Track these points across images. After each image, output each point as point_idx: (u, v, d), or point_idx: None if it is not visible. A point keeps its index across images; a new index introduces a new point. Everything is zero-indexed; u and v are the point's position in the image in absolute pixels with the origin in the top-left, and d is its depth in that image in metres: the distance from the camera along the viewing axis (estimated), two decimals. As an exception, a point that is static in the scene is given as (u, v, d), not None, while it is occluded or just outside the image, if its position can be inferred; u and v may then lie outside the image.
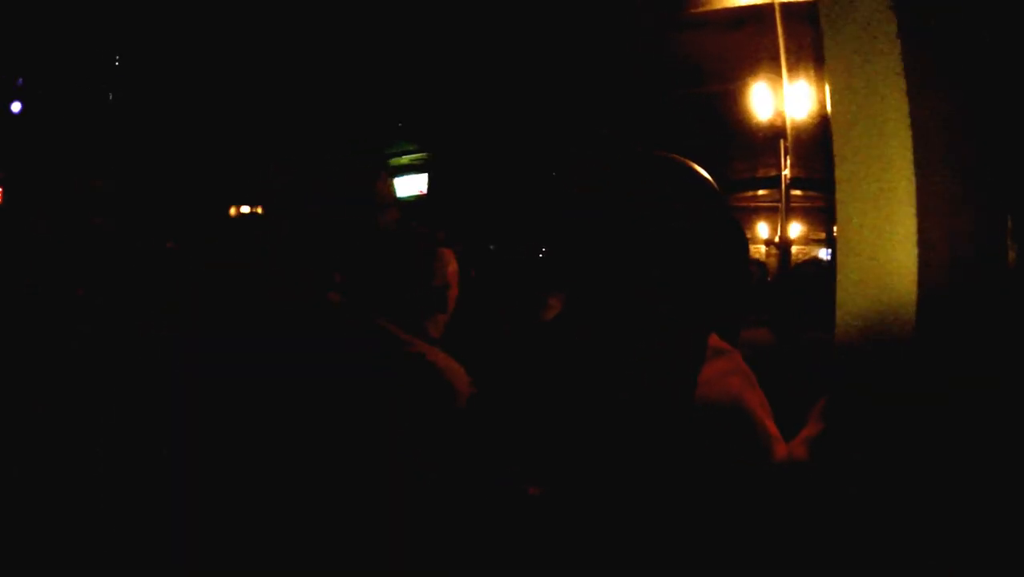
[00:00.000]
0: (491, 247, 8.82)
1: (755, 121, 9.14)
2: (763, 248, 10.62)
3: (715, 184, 1.51)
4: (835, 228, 1.23)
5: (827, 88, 1.20)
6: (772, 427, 1.36)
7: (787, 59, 8.57)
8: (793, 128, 8.73)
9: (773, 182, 9.90)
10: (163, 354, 2.00)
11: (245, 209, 16.98)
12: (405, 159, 15.95)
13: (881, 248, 1.07)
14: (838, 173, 1.12)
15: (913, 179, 1.04)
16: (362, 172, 1.75)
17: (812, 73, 8.71)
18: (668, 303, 1.40)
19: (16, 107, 18.48)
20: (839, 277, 1.13)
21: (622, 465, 1.32)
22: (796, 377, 1.81)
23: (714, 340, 1.41)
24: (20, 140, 17.89)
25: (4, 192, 18.11)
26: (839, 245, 1.13)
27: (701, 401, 1.32)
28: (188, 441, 1.57)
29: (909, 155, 1.04)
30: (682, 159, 1.50)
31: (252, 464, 1.49)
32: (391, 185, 1.79)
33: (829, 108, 1.16)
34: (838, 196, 1.11)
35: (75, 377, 2.33)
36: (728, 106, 9.97)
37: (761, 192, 11.21)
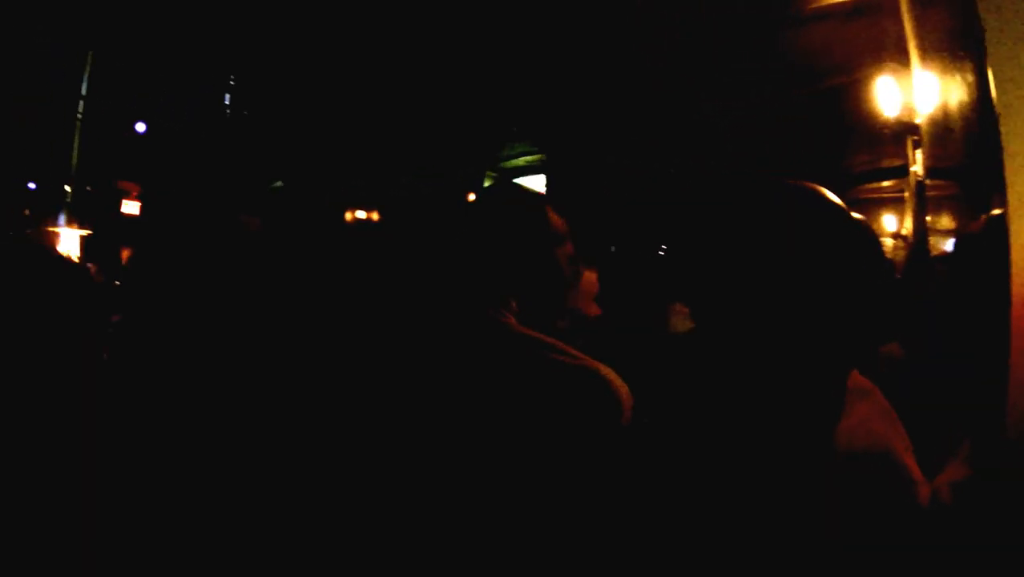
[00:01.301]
0: (612, 249, 8.78)
1: (877, 112, 8.91)
2: (890, 241, 10.29)
3: (849, 211, 1.46)
4: (973, 221, 1.19)
5: (990, 76, 1.12)
6: (916, 469, 1.32)
7: (914, 47, 8.33)
8: (922, 118, 8.48)
9: (896, 172, 9.62)
10: (329, 365, 2.05)
11: (361, 214, 17.36)
12: (521, 160, 15.87)
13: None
14: (1009, 167, 1.08)
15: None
16: (537, 209, 1.78)
17: (942, 61, 8.44)
18: (807, 343, 1.36)
19: (141, 127, 19.52)
20: (1013, 274, 1.08)
21: (759, 510, 1.30)
22: (928, 397, 1.76)
23: (855, 378, 1.39)
24: (152, 156, 18.78)
25: (143, 203, 19.13)
26: (1014, 244, 1.08)
27: (845, 451, 1.29)
28: (363, 452, 1.66)
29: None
30: (814, 186, 1.47)
31: (426, 470, 1.58)
32: (562, 220, 1.81)
33: (993, 96, 1.11)
34: (1011, 192, 1.07)
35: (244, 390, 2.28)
36: (847, 98, 9.75)
37: (885, 184, 10.88)
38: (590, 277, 2.32)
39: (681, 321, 3.70)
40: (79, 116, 13.19)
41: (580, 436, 1.54)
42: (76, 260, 8.73)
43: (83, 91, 13.42)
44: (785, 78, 10.01)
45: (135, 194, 19.42)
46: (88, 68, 13.24)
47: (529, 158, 15.72)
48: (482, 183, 16.29)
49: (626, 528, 1.46)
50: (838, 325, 1.38)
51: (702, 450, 1.40)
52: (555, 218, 1.79)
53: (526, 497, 1.52)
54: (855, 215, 1.54)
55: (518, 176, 16.05)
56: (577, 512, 1.50)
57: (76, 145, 13.01)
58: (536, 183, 15.42)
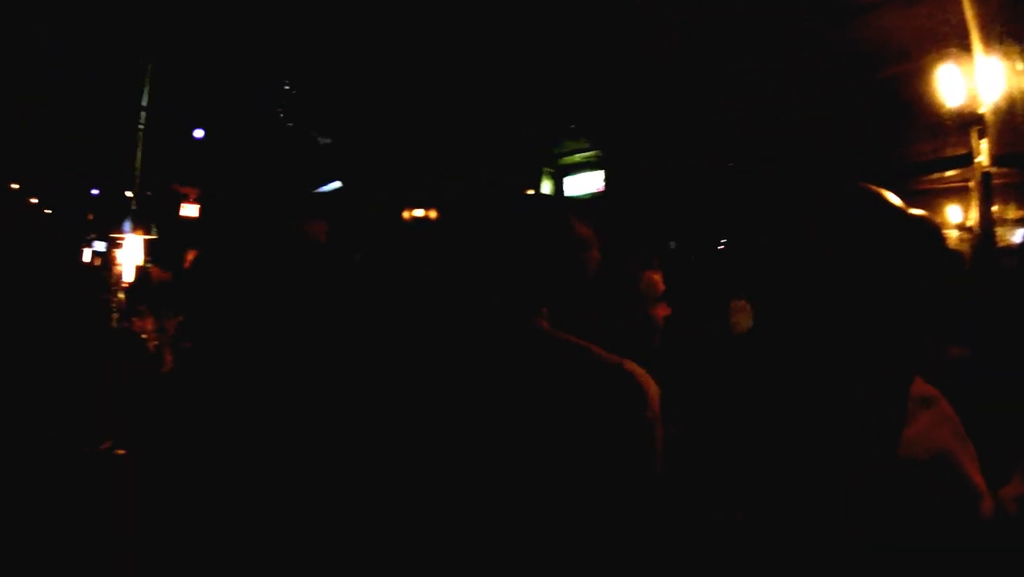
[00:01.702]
0: (671, 245, 8.75)
1: (939, 100, 8.76)
2: (954, 233, 10.09)
3: (910, 211, 1.45)
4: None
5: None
6: (980, 481, 1.31)
7: (976, 33, 8.18)
8: (986, 105, 8.32)
9: (960, 161, 9.43)
10: (379, 366, 2.06)
11: (419, 213, 17.54)
12: (578, 157, 15.87)
13: None
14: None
15: None
16: (561, 219, 1.84)
17: (1005, 47, 8.28)
18: (867, 346, 1.35)
19: (199, 133, 20.02)
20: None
21: (812, 516, 1.30)
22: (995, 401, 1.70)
23: (918, 385, 1.37)
24: (210, 160, 19.21)
25: (202, 207, 19.57)
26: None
27: (906, 460, 1.28)
28: (412, 450, 1.71)
29: None
30: (873, 187, 1.46)
31: (469, 467, 1.62)
32: (588, 229, 1.87)
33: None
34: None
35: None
36: (908, 87, 9.59)
37: (948, 173, 10.67)
38: (654, 278, 2.30)
39: (743, 318, 3.67)
40: (141, 126, 13.55)
41: (609, 430, 1.58)
42: (142, 264, 8.97)
43: (144, 102, 13.77)
44: (846, 68, 9.86)
45: (193, 197, 19.89)
46: (148, 80, 13.58)
47: (586, 154, 15.71)
48: (539, 180, 16.32)
49: (660, 523, 1.49)
50: (900, 328, 1.37)
51: (753, 451, 1.41)
52: (579, 226, 1.84)
53: (560, 490, 1.56)
54: (917, 212, 1.53)
55: (575, 172, 16.07)
56: (609, 506, 1.53)
57: (139, 153, 13.35)
58: (594, 179, 15.39)
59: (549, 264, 1.79)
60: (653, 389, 1.62)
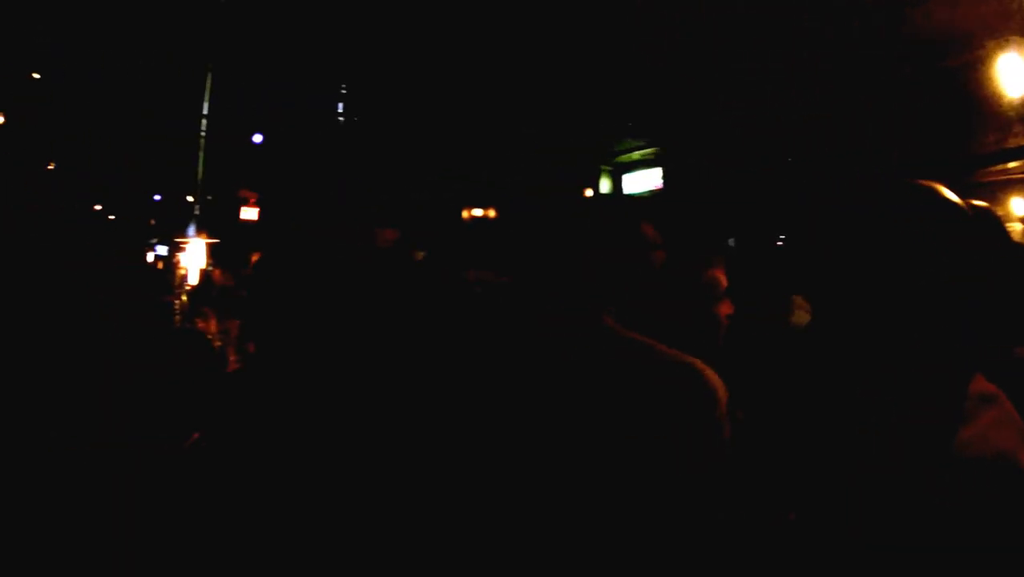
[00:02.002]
0: (730, 242, 8.69)
1: (1002, 90, 8.60)
2: (1019, 226, 9.88)
3: (970, 208, 1.42)
4: None
5: None
6: None
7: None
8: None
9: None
10: (440, 366, 2.12)
11: (478, 212, 17.62)
12: (636, 155, 15.82)
13: None
14: None
15: None
16: (628, 219, 1.87)
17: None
18: (926, 343, 1.35)
19: (257, 138, 20.38)
20: None
21: (864, 515, 1.29)
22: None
23: (978, 382, 1.34)
24: (269, 164, 19.54)
25: (261, 210, 19.93)
26: None
27: (962, 460, 1.25)
28: (491, 448, 1.74)
29: None
30: (933, 183, 1.44)
31: (543, 463, 1.65)
32: (652, 228, 1.89)
33: None
34: None
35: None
36: (969, 77, 9.41)
37: (1012, 165, 10.45)
38: (716, 275, 2.29)
39: (803, 314, 3.64)
40: (202, 134, 13.86)
41: (680, 430, 1.59)
42: (205, 267, 9.18)
43: (204, 110, 14.08)
44: (906, 59, 9.71)
45: (253, 201, 20.26)
46: (208, 89, 13.89)
47: (643, 152, 15.64)
48: (598, 178, 16.31)
49: (726, 522, 1.51)
50: (960, 325, 1.36)
51: (810, 447, 1.42)
52: (646, 227, 1.87)
53: (631, 488, 1.58)
54: (979, 204, 1.48)
55: (633, 170, 16.02)
56: (679, 505, 1.56)
57: (201, 160, 13.66)
58: (652, 177, 15.33)
59: (618, 264, 1.82)
60: (722, 388, 1.63)
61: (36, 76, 18.84)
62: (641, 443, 1.59)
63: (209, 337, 6.47)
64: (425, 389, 2.12)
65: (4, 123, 18.03)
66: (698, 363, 1.66)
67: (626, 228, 1.86)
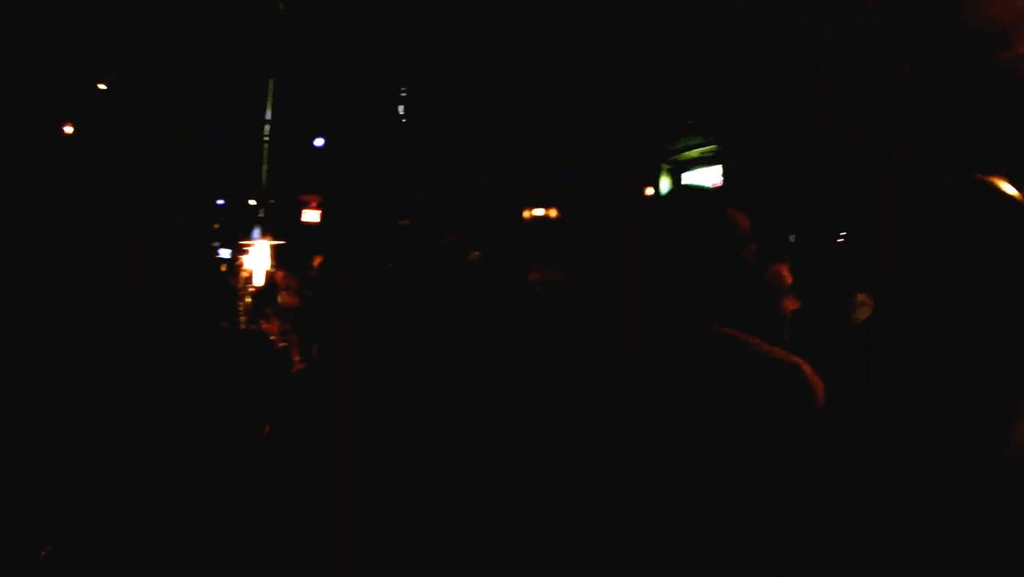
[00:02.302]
0: (791, 239, 8.58)
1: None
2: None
3: None
4: None
5: None
6: None
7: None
8: None
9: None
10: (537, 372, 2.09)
11: (539, 212, 17.64)
12: (695, 152, 15.72)
13: None
14: None
15: None
16: (721, 212, 1.83)
17: None
18: (985, 338, 1.35)
19: (319, 142, 20.64)
20: None
21: (921, 510, 1.31)
22: None
23: None
24: (331, 168, 19.78)
25: (323, 213, 20.22)
26: None
27: (1017, 457, 1.26)
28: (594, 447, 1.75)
29: None
30: (994, 179, 1.45)
31: (647, 462, 1.67)
32: (747, 221, 1.86)
33: None
34: None
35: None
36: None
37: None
38: (781, 271, 2.27)
39: (865, 311, 3.60)
40: (266, 139, 14.13)
41: (780, 426, 1.59)
42: (270, 268, 9.33)
43: (267, 115, 14.35)
44: (961, 52, 9.48)
45: (314, 204, 20.60)
46: (271, 95, 14.14)
47: (703, 149, 15.54)
48: (657, 176, 16.23)
49: (818, 516, 1.50)
50: (1019, 319, 1.36)
51: (865, 448, 1.44)
52: (740, 219, 1.83)
53: (742, 485, 1.59)
54: None
55: (693, 168, 15.91)
56: (786, 501, 1.55)
57: (264, 165, 13.92)
58: (712, 174, 15.21)
59: (718, 261, 1.79)
60: (821, 387, 1.63)
61: (102, 87, 19.36)
62: (752, 441, 1.59)
63: (273, 338, 6.59)
64: (496, 393, 2.20)
65: (73, 132, 18.56)
66: (803, 363, 1.66)
67: (724, 223, 1.83)
